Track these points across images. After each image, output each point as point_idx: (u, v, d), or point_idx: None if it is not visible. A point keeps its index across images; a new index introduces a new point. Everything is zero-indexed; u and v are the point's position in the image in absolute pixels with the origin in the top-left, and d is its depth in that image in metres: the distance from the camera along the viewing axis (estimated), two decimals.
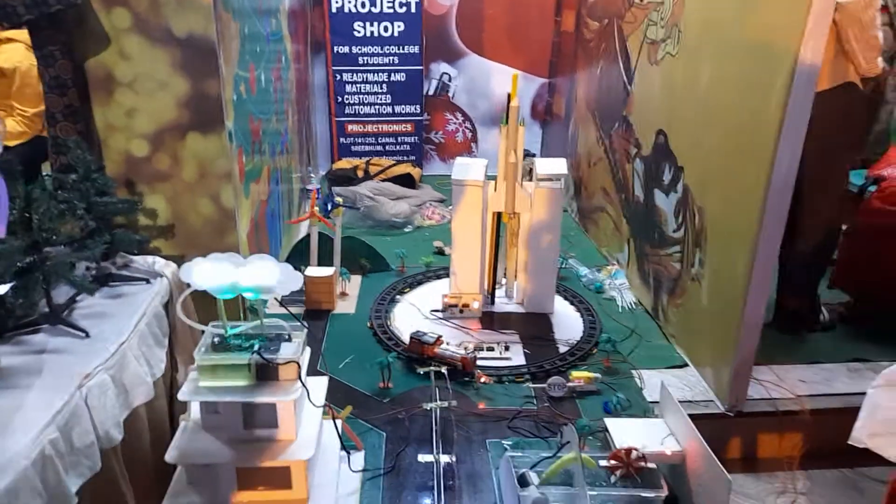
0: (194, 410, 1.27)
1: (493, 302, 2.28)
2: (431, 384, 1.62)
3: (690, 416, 1.37)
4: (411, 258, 2.58)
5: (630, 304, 2.48)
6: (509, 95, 2.02)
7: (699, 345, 2.18)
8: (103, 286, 1.54)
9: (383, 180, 3.99)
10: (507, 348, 1.97)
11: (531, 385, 1.80)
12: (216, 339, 1.24)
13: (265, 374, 1.21)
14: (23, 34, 2.63)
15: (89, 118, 1.75)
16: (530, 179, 2.14)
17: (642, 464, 1.33)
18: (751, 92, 1.79)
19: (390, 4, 4.07)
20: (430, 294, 2.33)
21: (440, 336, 1.88)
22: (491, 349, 1.96)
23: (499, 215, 2.17)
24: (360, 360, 1.91)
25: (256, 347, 1.21)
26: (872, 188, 2.46)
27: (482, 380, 1.79)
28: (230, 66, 1.92)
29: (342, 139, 4.44)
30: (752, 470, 2.12)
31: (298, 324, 1.29)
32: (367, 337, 2.07)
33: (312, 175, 4.08)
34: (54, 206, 1.33)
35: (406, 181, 4.03)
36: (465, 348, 1.89)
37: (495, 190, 2.11)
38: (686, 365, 2.16)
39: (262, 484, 1.23)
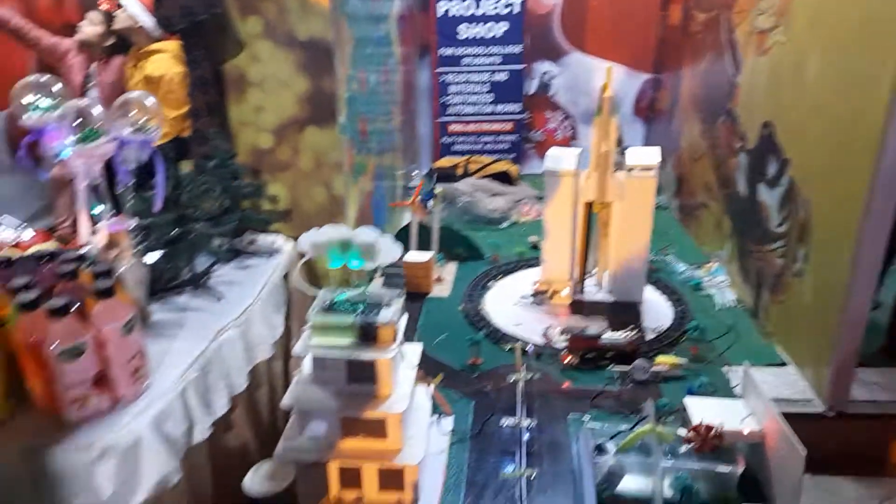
0: (306, 366, 1.45)
1: (582, 291, 2.34)
2: (517, 360, 1.72)
3: (786, 415, 1.36)
4: (505, 251, 2.69)
5: (729, 301, 2.45)
6: (603, 87, 2.09)
7: (800, 343, 2.13)
8: (233, 259, 1.77)
9: (482, 177, 4.12)
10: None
11: (615, 368, 1.86)
12: (326, 303, 1.42)
13: (367, 334, 1.37)
14: (169, 45, 3.01)
15: (225, 114, 2.01)
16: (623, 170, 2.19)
17: (719, 441, 1.37)
18: (858, 83, 1.75)
19: (495, 6, 4.20)
20: (522, 281, 2.43)
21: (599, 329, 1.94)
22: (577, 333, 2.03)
23: (590, 206, 2.23)
24: (452, 338, 2.04)
25: (360, 311, 1.38)
26: None
27: (567, 360, 1.87)
28: (344, 67, 2.13)
29: (444, 138, 4.62)
30: (854, 474, 2.05)
31: (398, 292, 1.44)
32: (459, 319, 2.20)
33: (415, 172, 4.29)
34: (197, 186, 1.57)
35: (504, 178, 4.14)
36: (550, 334, 1.98)
37: (587, 180, 2.17)
38: (785, 364, 2.12)
39: (362, 433, 1.39)
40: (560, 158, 2.18)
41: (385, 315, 1.38)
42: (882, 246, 1.82)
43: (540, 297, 2.27)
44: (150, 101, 1.41)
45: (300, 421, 1.44)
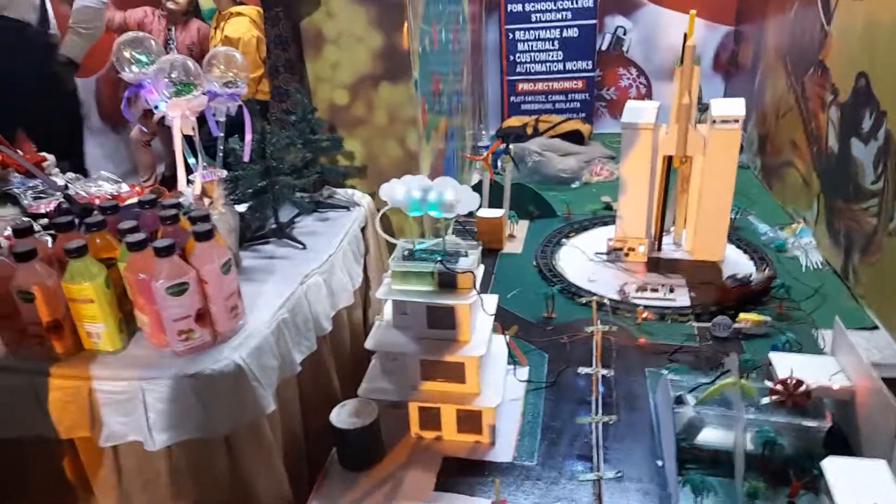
0: (387, 312, 1.50)
1: (659, 248, 2.30)
2: (593, 313, 1.72)
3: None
4: (577, 209, 2.66)
5: (816, 263, 2.35)
6: (685, 35, 2.00)
7: (893, 305, 2.03)
8: (314, 211, 1.83)
9: (552, 137, 4.06)
10: (671, 290, 2.00)
11: (694, 324, 1.83)
12: (406, 252, 1.45)
13: (446, 281, 1.39)
14: (249, 10, 3.11)
15: (303, 72, 2.05)
16: (705, 122, 2.11)
17: (807, 396, 1.33)
18: None
19: None
20: (596, 238, 2.40)
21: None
22: (655, 290, 2.00)
23: (669, 160, 2.17)
24: (525, 293, 2.05)
25: (439, 259, 1.40)
26: None
27: (643, 315, 1.85)
28: (416, 21, 2.13)
29: (512, 98, 4.56)
30: None
31: (475, 243, 1.46)
32: (532, 274, 2.21)
33: (484, 132, 4.27)
34: (281, 140, 1.62)
35: (575, 138, 4.06)
36: (626, 291, 1.96)
37: (667, 133, 2.11)
38: (877, 327, 2.03)
39: (441, 376, 1.43)
40: (639, 111, 2.12)
41: (464, 263, 1.41)
42: None
43: (615, 254, 2.24)
44: (237, 56, 1.45)
45: (382, 362, 1.50)
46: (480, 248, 1.46)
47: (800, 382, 1.34)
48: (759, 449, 1.31)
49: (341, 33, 2.04)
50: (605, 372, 1.55)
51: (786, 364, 1.43)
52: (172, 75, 1.33)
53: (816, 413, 1.33)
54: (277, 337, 1.33)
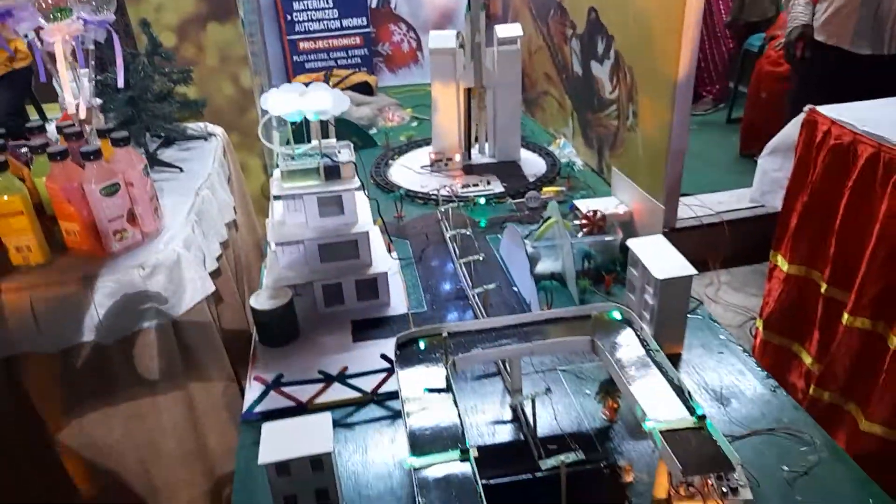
0: (277, 212, 1.71)
1: (470, 157, 2.76)
2: (440, 210, 2.10)
3: None
4: (392, 139, 3.02)
5: (580, 166, 2.97)
6: None
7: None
8: (174, 143, 1.92)
9: (343, 90, 4.33)
10: (489, 183, 2.47)
11: (512, 201, 2.31)
12: (288, 156, 1.67)
13: (331, 174, 1.65)
14: None
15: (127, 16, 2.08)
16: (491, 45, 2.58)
17: (603, 222, 1.87)
18: None
19: None
20: (417, 157, 2.79)
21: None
22: (476, 185, 2.46)
23: (469, 91, 2.62)
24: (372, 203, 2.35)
25: (322, 155, 1.65)
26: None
27: (474, 201, 2.29)
28: None
29: (295, 57, 4.69)
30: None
31: (346, 142, 1.73)
32: (373, 188, 2.52)
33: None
34: (138, 71, 1.70)
35: (364, 89, 4.37)
36: (454, 188, 2.38)
37: (465, 68, 2.55)
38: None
39: (338, 257, 1.69)
40: (441, 38, 2.52)
41: (344, 156, 1.67)
42: (691, 92, 2.41)
43: (437, 165, 2.64)
44: None
45: (282, 251, 1.70)
46: (352, 145, 1.73)
47: (595, 212, 1.87)
48: (581, 263, 1.82)
49: None
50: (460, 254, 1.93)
51: (585, 205, 1.95)
52: (42, 3, 1.37)
53: (611, 231, 1.87)
54: (195, 232, 1.48)
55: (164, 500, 1.46)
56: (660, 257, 1.48)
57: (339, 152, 1.71)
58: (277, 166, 1.66)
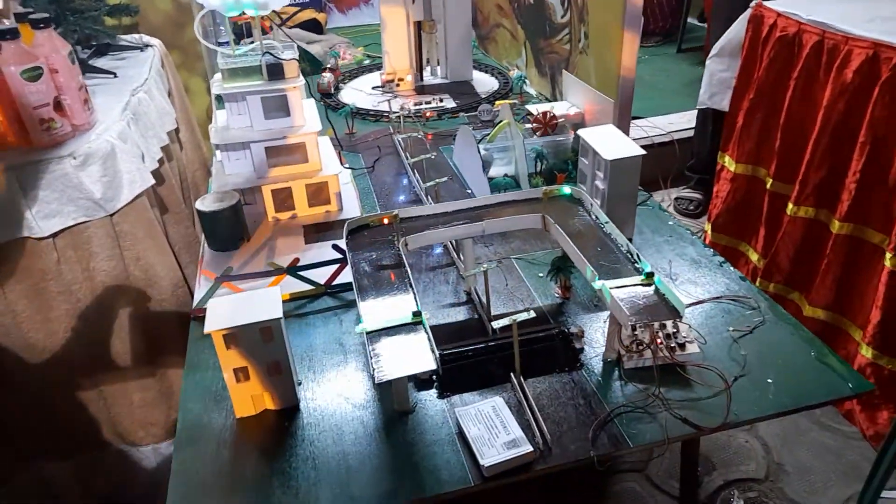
0: (221, 118, 1.64)
1: (422, 79, 2.71)
2: (392, 125, 2.05)
3: None
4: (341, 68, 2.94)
5: (534, 95, 2.95)
6: None
7: None
8: (107, 51, 1.82)
9: (291, 27, 4.19)
10: (441, 100, 2.43)
11: (464, 115, 2.28)
12: (231, 55, 1.60)
13: (274, 73, 1.59)
14: None
15: None
16: None
17: (555, 122, 1.86)
18: None
19: None
20: (368, 80, 2.73)
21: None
22: (429, 102, 2.41)
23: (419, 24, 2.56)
24: (321, 116, 2.30)
25: (263, 52, 1.59)
26: None
27: (428, 115, 2.25)
28: None
29: None
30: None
31: (290, 42, 1.66)
32: (321, 108, 2.45)
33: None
34: None
35: (313, 26, 4.24)
36: (407, 107, 2.33)
37: (413, 3, 2.48)
38: None
39: (286, 160, 1.65)
40: None
41: (288, 53, 1.61)
42: (640, 8, 2.39)
43: (389, 85, 2.59)
44: None
45: (228, 157, 1.65)
46: (296, 45, 1.67)
47: (546, 113, 1.86)
48: (533, 164, 1.81)
49: None
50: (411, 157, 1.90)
51: (538, 108, 1.94)
52: None
53: (564, 132, 1.87)
54: (131, 130, 1.41)
55: (113, 404, 1.43)
56: (610, 143, 1.48)
57: (283, 51, 1.64)
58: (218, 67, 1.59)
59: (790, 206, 1.83)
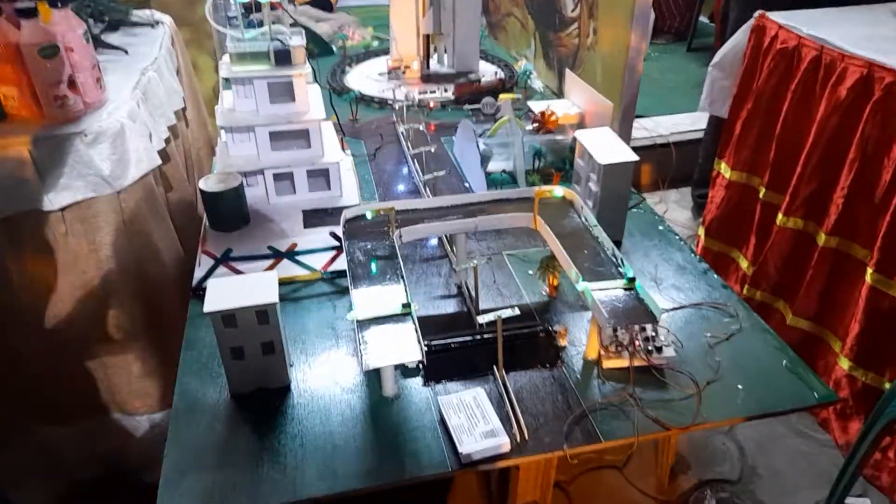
0: (227, 100, 1.68)
1: (429, 66, 2.73)
2: (395, 114, 2.09)
3: None
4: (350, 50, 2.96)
5: (540, 89, 2.97)
6: None
7: None
8: (118, 27, 1.86)
9: (301, 4, 4.19)
10: (446, 90, 2.46)
11: (468, 107, 2.31)
12: (240, 39, 1.63)
13: (282, 59, 1.62)
14: None
15: None
16: None
17: (556, 121, 1.89)
18: None
19: None
20: (375, 65, 2.75)
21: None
22: (434, 92, 2.44)
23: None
24: (327, 107, 2.33)
25: (272, 39, 1.62)
26: None
27: (431, 105, 2.29)
28: None
29: None
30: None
31: (298, 28, 1.69)
32: (327, 94, 2.48)
33: None
34: None
35: (323, 4, 4.24)
36: (411, 96, 2.36)
37: (423, 17, 2.50)
38: None
39: (289, 145, 1.69)
40: None
41: (295, 40, 1.65)
42: (650, 7, 2.41)
43: (395, 72, 2.61)
44: None
45: (232, 139, 1.69)
46: (304, 31, 1.70)
47: (550, 112, 1.90)
48: (531, 161, 1.85)
49: None
50: (412, 147, 1.94)
51: (538, 106, 1.97)
52: None
53: (563, 132, 1.90)
54: (141, 110, 1.45)
55: (114, 374, 1.49)
56: (605, 146, 1.52)
57: (291, 37, 1.67)
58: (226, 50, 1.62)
59: (780, 216, 1.88)
